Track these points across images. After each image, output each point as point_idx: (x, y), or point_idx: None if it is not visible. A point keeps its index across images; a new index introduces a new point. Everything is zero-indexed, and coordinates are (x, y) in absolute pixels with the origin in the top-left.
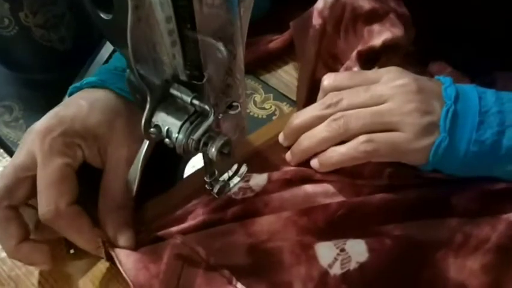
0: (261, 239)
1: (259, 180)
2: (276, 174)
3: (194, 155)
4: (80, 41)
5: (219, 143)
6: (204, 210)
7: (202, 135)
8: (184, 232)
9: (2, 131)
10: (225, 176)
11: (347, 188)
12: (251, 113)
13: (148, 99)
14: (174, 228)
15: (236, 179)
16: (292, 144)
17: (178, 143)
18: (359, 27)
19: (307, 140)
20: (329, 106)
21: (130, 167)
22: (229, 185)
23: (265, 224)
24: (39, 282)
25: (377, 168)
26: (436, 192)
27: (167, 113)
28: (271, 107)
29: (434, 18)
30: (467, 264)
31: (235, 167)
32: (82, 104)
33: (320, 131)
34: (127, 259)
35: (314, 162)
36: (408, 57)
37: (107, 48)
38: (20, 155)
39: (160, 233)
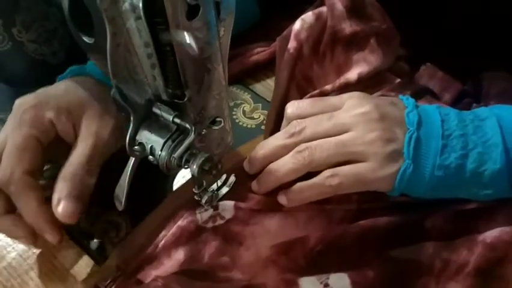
0: (243, 279)
1: (226, 206)
2: (243, 204)
3: (177, 171)
4: (72, 55)
5: (199, 160)
6: (177, 246)
7: (184, 152)
8: (162, 275)
9: None
10: (214, 187)
11: (318, 214)
12: (240, 123)
13: (132, 117)
14: (153, 272)
15: (225, 189)
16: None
17: (161, 160)
18: (337, 52)
19: (273, 172)
20: (292, 135)
21: (101, 142)
22: (217, 195)
23: (245, 265)
24: None
25: (344, 194)
26: (408, 216)
27: (151, 131)
28: (259, 116)
29: (422, 21)
30: None
31: (223, 177)
32: (60, 86)
33: (285, 163)
34: None
35: (282, 199)
36: (398, 62)
37: None
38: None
39: (139, 276)
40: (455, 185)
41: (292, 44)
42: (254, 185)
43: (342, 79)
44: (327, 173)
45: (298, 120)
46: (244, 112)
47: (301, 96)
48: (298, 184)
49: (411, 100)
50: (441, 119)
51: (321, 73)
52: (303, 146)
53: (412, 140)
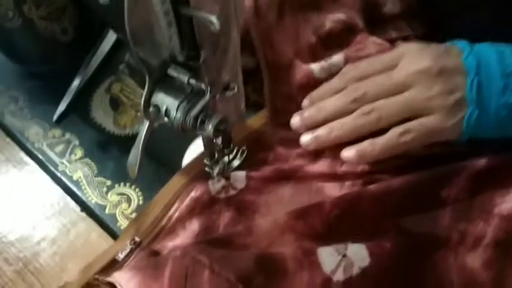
0: (260, 246)
1: (238, 176)
2: (254, 173)
3: (192, 133)
4: (82, 33)
5: (215, 120)
6: (191, 217)
7: (199, 112)
8: (179, 245)
9: (7, 121)
10: (225, 160)
11: (330, 179)
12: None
13: (147, 80)
14: (170, 243)
15: (236, 162)
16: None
17: (176, 122)
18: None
19: (337, 130)
20: (354, 100)
21: None
22: (229, 168)
23: (262, 232)
24: (46, 262)
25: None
26: (423, 182)
27: (166, 93)
28: None
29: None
30: (467, 263)
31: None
32: None
33: (351, 122)
34: (127, 284)
35: (350, 154)
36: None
37: (109, 39)
38: None
39: (156, 248)
40: None
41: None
42: (307, 140)
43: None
44: (399, 129)
45: (358, 85)
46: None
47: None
48: (370, 140)
49: (466, 44)
50: (498, 57)
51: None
52: (368, 107)
53: (474, 85)
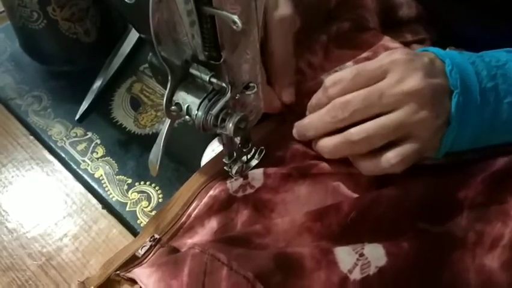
0: (278, 246)
1: (255, 175)
2: (271, 169)
3: (213, 132)
4: (104, 34)
5: (235, 118)
6: (209, 215)
7: (220, 111)
8: (198, 243)
9: (32, 119)
10: (243, 159)
11: (346, 179)
12: None
13: (169, 79)
14: (188, 240)
15: (254, 162)
16: None
17: (197, 120)
18: None
19: (325, 152)
20: (342, 120)
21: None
22: (248, 166)
23: (280, 232)
24: (69, 257)
25: None
26: (440, 184)
27: (187, 92)
28: None
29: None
30: (485, 264)
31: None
32: None
33: (339, 145)
34: (148, 280)
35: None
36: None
37: (130, 40)
38: None
39: (176, 245)
40: (491, 135)
41: None
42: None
43: None
44: (390, 156)
45: (344, 102)
46: None
47: None
48: (364, 163)
49: (443, 53)
50: (474, 69)
51: None
52: (355, 135)
53: (459, 105)
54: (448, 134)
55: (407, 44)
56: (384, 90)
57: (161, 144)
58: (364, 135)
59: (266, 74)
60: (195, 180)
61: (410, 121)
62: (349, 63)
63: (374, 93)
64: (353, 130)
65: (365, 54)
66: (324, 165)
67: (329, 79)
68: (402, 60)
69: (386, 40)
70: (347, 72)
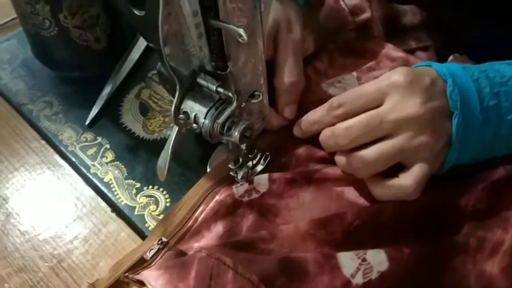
0: (282, 251)
1: (260, 180)
2: (276, 174)
3: (219, 139)
4: (114, 41)
5: (241, 126)
6: (215, 219)
7: (226, 119)
8: (204, 246)
9: (43, 124)
10: (249, 164)
11: (350, 186)
12: None
13: (178, 88)
14: (195, 244)
15: (259, 167)
16: None
17: (204, 128)
18: None
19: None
20: (344, 146)
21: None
22: (253, 172)
23: (284, 238)
24: (79, 259)
25: None
26: (442, 193)
27: (195, 101)
28: None
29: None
30: (486, 269)
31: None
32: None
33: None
34: (155, 282)
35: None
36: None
37: (139, 47)
38: None
39: (183, 248)
40: (492, 150)
41: None
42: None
43: None
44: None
45: (347, 127)
46: None
47: None
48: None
49: (446, 71)
50: (476, 88)
51: None
52: (359, 162)
53: (460, 127)
54: (450, 155)
55: (411, 51)
56: (383, 116)
57: (169, 151)
58: (365, 163)
59: (273, 93)
60: (202, 185)
61: (409, 147)
62: (349, 76)
63: (374, 120)
64: (353, 159)
65: (368, 64)
66: (328, 170)
67: (335, 100)
68: (402, 83)
69: (389, 48)
70: (347, 95)
